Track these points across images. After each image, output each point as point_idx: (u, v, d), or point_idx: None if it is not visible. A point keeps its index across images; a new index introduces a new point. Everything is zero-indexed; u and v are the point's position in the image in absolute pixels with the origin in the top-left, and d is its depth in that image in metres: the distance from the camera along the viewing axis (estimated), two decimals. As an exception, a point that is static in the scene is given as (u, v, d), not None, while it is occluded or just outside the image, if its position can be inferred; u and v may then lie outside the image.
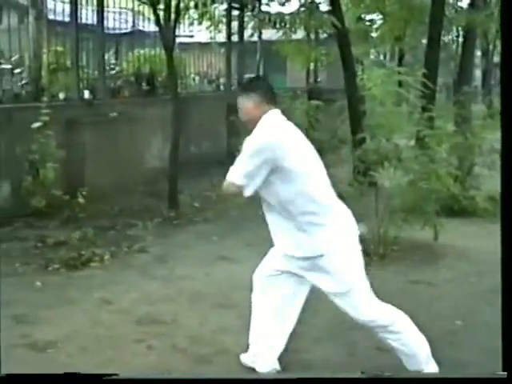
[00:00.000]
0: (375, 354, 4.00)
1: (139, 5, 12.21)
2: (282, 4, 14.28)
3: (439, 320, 4.99)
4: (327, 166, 6.57)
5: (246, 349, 4.13)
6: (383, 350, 4.00)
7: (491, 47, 25.62)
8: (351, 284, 3.66)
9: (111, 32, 12.66)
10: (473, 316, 5.16)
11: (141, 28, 13.72)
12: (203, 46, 15.57)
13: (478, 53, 26.38)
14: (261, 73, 16.59)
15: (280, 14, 12.00)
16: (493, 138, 9.82)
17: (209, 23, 14.37)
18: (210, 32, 14.97)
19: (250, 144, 3.65)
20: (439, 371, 3.81)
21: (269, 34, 14.96)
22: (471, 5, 14.16)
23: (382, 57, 21.01)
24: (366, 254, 4.86)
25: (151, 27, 12.84)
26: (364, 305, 3.70)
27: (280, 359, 4.00)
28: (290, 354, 4.09)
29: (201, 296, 5.55)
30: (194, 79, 14.61)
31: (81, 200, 8.10)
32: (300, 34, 14.10)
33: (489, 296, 5.63)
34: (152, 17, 10.13)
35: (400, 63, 14.91)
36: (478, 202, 8.29)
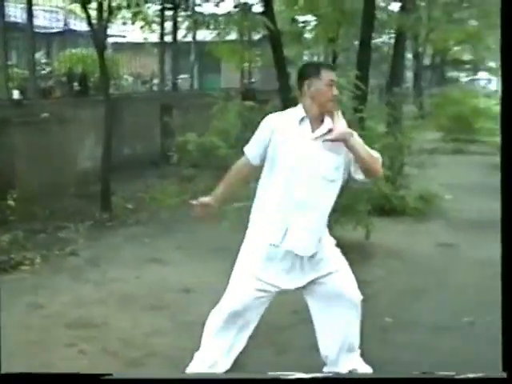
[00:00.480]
0: (308, 353, 4.04)
1: (71, 3, 12.03)
2: (216, 5, 14.27)
3: (371, 317, 5.06)
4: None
5: (177, 351, 4.11)
6: (312, 349, 4.02)
7: (421, 50, 26.15)
8: (343, 261, 3.75)
9: (42, 31, 12.46)
10: (402, 313, 5.27)
11: (73, 27, 13.54)
12: (137, 47, 15.46)
13: (410, 55, 26.90)
14: (195, 74, 16.55)
15: (214, 15, 11.97)
16: (422, 138, 10.07)
17: (142, 23, 14.23)
18: (144, 32, 14.84)
19: None
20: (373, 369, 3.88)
21: (203, 34, 14.95)
22: (402, 8, 14.44)
23: (315, 58, 21.16)
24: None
25: (84, 26, 12.68)
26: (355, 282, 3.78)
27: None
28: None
29: (132, 298, 5.52)
30: (127, 80, 14.50)
31: (11, 202, 7.95)
32: (234, 35, 14.13)
33: (418, 293, 5.77)
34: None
35: (333, 64, 15.07)
36: (408, 202, 8.46)
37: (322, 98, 3.55)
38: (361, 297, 3.79)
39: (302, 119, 3.58)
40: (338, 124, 3.50)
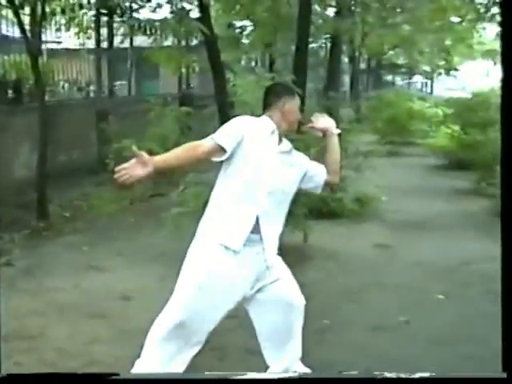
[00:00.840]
0: (245, 356, 4.05)
1: (2, 8, 11.79)
2: (153, 10, 14.22)
3: (308, 320, 5.11)
4: (200, 173, 6.57)
5: (116, 359, 4.08)
6: (252, 353, 4.05)
7: (357, 54, 26.51)
8: (285, 267, 3.74)
9: (-28, 37, 12.20)
10: (339, 315, 5.34)
11: (6, 33, 13.27)
12: (72, 53, 15.25)
13: (346, 59, 27.25)
14: (133, 80, 16.43)
15: (150, 21, 11.94)
16: (358, 141, 10.21)
17: (77, 29, 14.09)
18: (79, 38, 14.68)
19: None
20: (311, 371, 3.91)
21: (140, 40, 14.87)
22: (337, 14, 14.65)
23: (253, 63, 21.28)
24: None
25: (17, 32, 12.47)
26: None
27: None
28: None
29: (70, 307, 5.44)
30: (63, 86, 14.28)
31: None
32: (171, 41, 14.11)
33: (355, 294, 5.86)
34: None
35: (271, 69, 15.16)
36: (345, 204, 8.56)
37: (292, 118, 3.74)
38: (304, 302, 3.81)
39: (273, 132, 3.64)
40: (328, 119, 3.85)
